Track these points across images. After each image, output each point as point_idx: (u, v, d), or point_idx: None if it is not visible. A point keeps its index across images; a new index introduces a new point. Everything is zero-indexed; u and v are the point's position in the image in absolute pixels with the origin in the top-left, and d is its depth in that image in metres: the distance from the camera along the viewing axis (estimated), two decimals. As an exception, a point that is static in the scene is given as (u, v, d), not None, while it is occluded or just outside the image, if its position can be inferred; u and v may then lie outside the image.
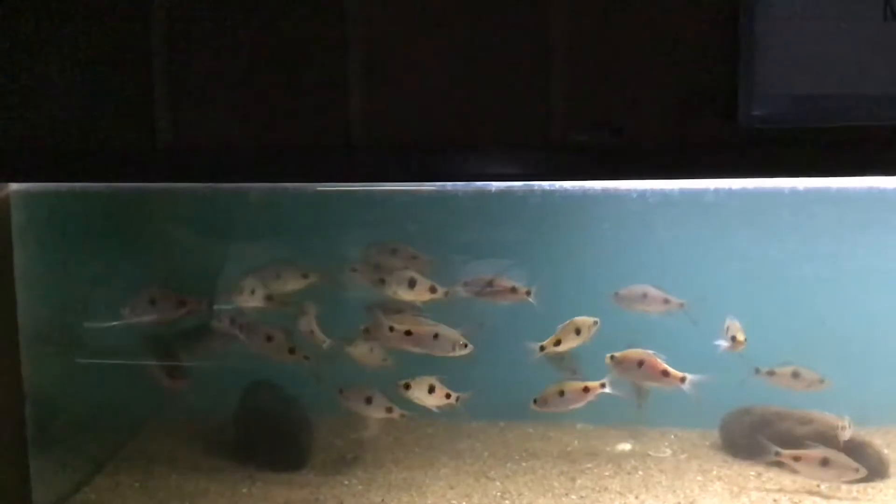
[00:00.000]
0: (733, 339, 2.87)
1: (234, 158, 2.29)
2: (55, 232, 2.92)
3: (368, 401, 2.98)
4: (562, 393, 2.85)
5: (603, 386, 2.84)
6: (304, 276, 3.00)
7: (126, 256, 3.24)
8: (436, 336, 2.85)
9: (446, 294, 2.89)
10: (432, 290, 2.89)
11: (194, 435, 3.42)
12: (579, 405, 2.87)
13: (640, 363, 2.82)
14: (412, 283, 2.88)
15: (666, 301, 2.98)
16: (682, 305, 2.96)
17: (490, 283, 2.96)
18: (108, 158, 2.32)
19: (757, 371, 3.00)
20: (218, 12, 2.23)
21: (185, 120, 2.27)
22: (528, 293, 2.92)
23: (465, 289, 2.97)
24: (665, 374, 2.80)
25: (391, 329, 2.86)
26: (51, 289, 2.91)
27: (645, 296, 2.99)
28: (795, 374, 3.00)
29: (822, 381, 3.00)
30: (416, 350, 2.87)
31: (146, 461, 3.22)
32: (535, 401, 2.90)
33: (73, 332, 3.08)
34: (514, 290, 2.95)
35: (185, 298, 2.93)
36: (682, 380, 2.79)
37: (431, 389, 2.88)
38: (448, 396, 2.90)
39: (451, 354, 2.86)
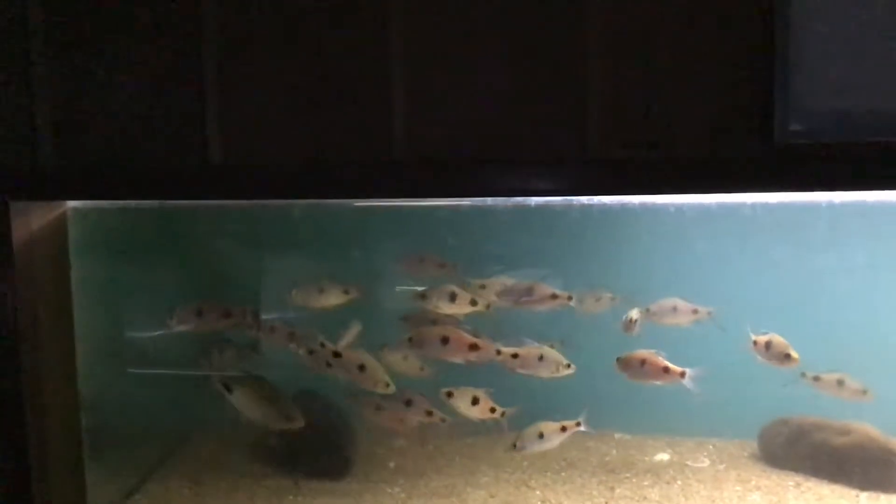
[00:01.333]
0: (787, 356, 2.92)
1: (282, 175, 2.36)
2: (110, 247, 3.02)
3: (475, 401, 2.98)
4: (541, 435, 2.89)
5: (578, 424, 2.90)
6: (346, 291, 3.08)
7: (176, 270, 3.33)
8: (541, 358, 2.92)
9: (487, 307, 2.93)
10: (473, 302, 2.93)
11: (241, 442, 3.50)
12: (555, 444, 2.93)
13: (643, 362, 2.93)
14: (453, 297, 2.93)
15: (695, 311, 3.05)
16: (710, 314, 3.03)
17: (530, 291, 3.01)
18: (161, 176, 2.40)
19: (803, 375, 3.03)
20: (267, 33, 2.31)
21: (235, 138, 2.35)
22: (570, 298, 2.97)
23: (503, 298, 3.02)
24: (666, 370, 2.91)
25: (498, 352, 2.91)
26: (106, 301, 3.00)
27: (675, 308, 3.06)
28: (840, 382, 3.04)
29: (864, 392, 3.03)
30: (522, 372, 2.93)
31: (196, 468, 3.31)
32: (514, 445, 2.94)
33: (126, 343, 3.17)
34: (554, 296, 3.01)
35: (231, 309, 3.02)
36: (682, 374, 2.89)
37: (475, 401, 2.92)
38: (493, 410, 2.93)
39: (556, 375, 2.92)
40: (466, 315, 2.95)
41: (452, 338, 2.86)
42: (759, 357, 2.97)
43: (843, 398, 3.05)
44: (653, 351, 2.92)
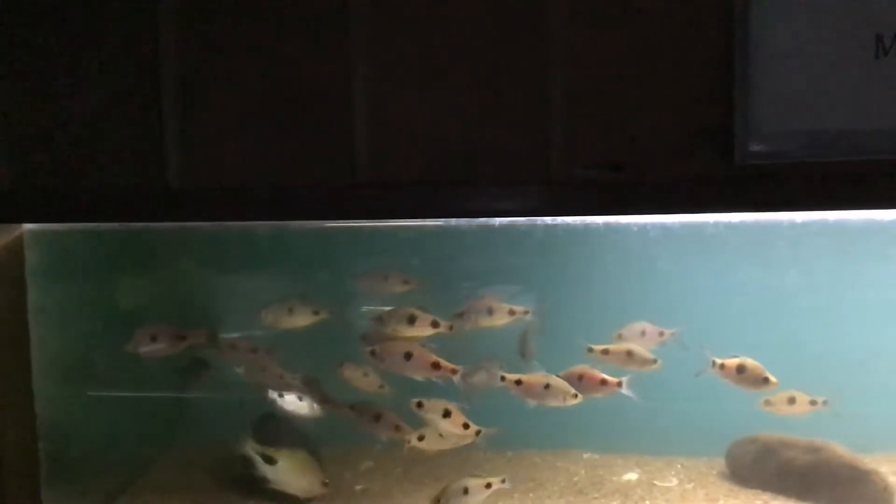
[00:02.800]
0: (765, 380, 2.91)
1: (244, 198, 2.33)
2: (68, 270, 2.97)
3: (446, 414, 2.92)
4: (466, 490, 2.85)
5: (504, 481, 2.86)
6: (316, 312, 3.04)
7: (136, 293, 3.29)
8: (547, 386, 2.90)
9: (451, 328, 2.91)
10: (434, 324, 2.90)
11: (206, 467, 3.45)
12: (479, 501, 2.87)
13: (580, 377, 2.94)
14: (412, 319, 2.89)
15: (661, 334, 3.05)
16: (674, 335, 3.04)
17: (490, 310, 2.98)
18: (119, 199, 2.36)
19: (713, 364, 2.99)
20: (228, 54, 2.28)
21: (195, 161, 2.31)
22: (527, 312, 2.96)
23: (461, 320, 2.99)
24: (603, 382, 2.93)
25: (502, 378, 2.89)
26: (63, 325, 2.95)
27: (643, 333, 3.07)
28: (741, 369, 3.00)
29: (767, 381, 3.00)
30: (530, 401, 2.92)
31: (159, 493, 3.25)
32: (437, 500, 2.88)
33: (85, 366, 3.12)
34: (511, 312, 2.98)
35: (185, 332, 2.99)
36: (619, 384, 2.92)
37: (447, 414, 2.87)
38: (466, 427, 2.89)
39: (563, 405, 2.90)
40: (429, 337, 2.91)
41: (416, 354, 2.83)
42: (727, 381, 2.94)
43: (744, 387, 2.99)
44: (587, 366, 2.92)
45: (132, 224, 2.68)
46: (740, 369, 2.94)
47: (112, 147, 2.33)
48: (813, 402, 3.03)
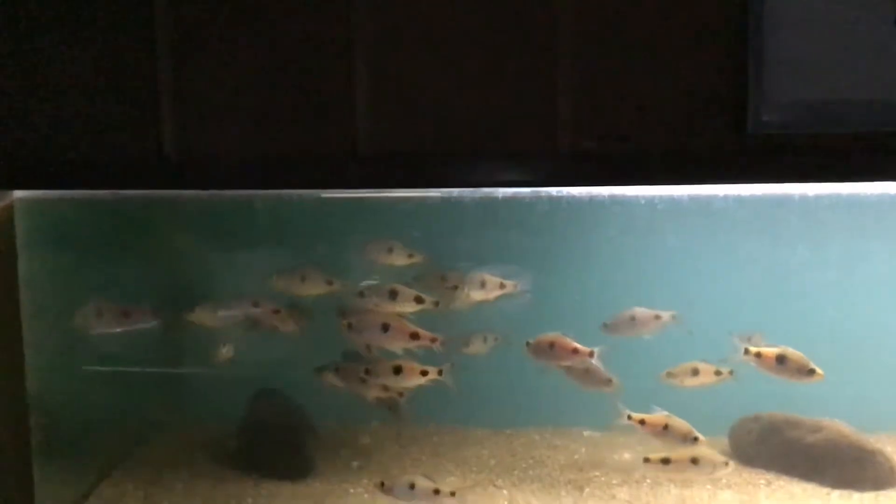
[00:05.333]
0: (811, 372, 2.76)
1: (240, 166, 2.28)
2: (60, 238, 2.91)
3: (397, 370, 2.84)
4: (412, 486, 2.75)
5: (453, 494, 2.75)
6: (329, 282, 2.99)
7: (129, 264, 3.23)
8: (665, 427, 2.87)
9: (436, 305, 2.83)
10: (419, 300, 2.81)
11: (200, 443, 3.41)
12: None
13: (552, 345, 2.86)
14: (394, 295, 2.82)
15: (657, 317, 2.96)
16: (674, 318, 2.93)
17: (482, 283, 2.94)
18: (113, 166, 2.30)
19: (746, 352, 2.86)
20: (224, 21, 2.22)
21: (190, 128, 2.25)
22: (515, 286, 2.92)
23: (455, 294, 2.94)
24: (575, 351, 2.84)
25: (628, 417, 2.87)
26: (55, 296, 2.90)
27: (633, 318, 2.98)
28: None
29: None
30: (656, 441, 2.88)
31: (152, 470, 3.21)
32: (382, 483, 2.81)
33: (78, 339, 3.07)
34: (502, 286, 2.94)
35: (130, 309, 2.94)
36: (591, 354, 2.83)
37: (398, 370, 2.80)
38: (425, 374, 2.79)
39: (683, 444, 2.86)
40: (413, 313, 2.82)
41: (394, 325, 2.76)
42: (766, 372, 2.80)
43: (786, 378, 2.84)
44: (559, 333, 2.85)
45: (127, 193, 2.61)
46: (781, 359, 2.79)
47: (106, 114, 2.27)
48: (718, 373, 2.95)
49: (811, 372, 2.75)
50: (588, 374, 2.95)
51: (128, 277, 3.21)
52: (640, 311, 2.98)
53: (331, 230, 3.08)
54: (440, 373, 2.74)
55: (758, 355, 2.80)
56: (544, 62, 2.15)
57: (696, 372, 2.94)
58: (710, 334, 2.94)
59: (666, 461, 2.82)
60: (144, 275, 3.31)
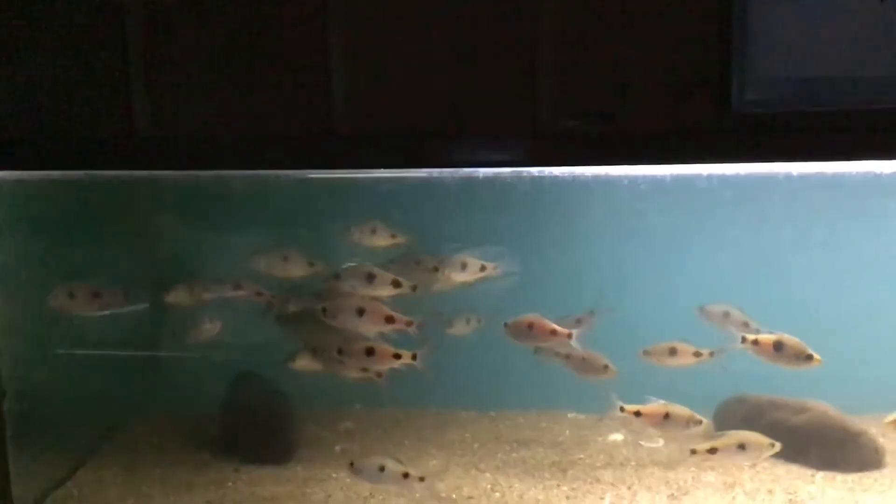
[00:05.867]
0: (808, 357, 2.71)
1: (215, 145, 2.23)
2: (33, 220, 2.85)
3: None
4: (382, 468, 2.70)
5: (422, 479, 2.70)
6: (311, 264, 2.95)
7: (105, 246, 3.18)
8: (666, 416, 2.81)
9: (414, 289, 2.78)
10: (396, 283, 2.76)
11: (179, 428, 3.37)
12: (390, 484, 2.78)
13: (530, 326, 2.81)
14: (371, 278, 2.77)
15: (554, 332, 2.84)
16: (570, 335, 2.81)
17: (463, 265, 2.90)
18: (85, 146, 2.25)
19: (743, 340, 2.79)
20: (196, -4, 2.16)
21: (163, 106, 2.20)
22: (495, 268, 2.90)
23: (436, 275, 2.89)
24: (553, 332, 2.80)
25: (621, 409, 2.80)
26: (29, 279, 2.85)
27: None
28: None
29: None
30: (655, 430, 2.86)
31: (131, 455, 3.17)
32: (351, 463, 2.76)
33: (52, 323, 3.02)
34: (483, 268, 2.91)
35: (100, 290, 2.90)
36: (569, 335, 2.78)
37: (370, 352, 2.73)
38: (398, 357, 2.71)
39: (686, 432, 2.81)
40: (391, 297, 2.76)
41: (369, 308, 2.72)
42: (763, 358, 2.74)
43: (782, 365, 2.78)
44: (537, 314, 2.80)
45: (102, 173, 2.55)
46: (778, 346, 2.72)
47: (76, 93, 2.21)
48: (697, 354, 2.91)
49: (809, 357, 2.70)
50: (585, 363, 2.91)
51: (101, 258, 3.16)
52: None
53: (309, 212, 3.05)
54: (414, 357, 2.69)
55: (755, 343, 2.74)
56: (525, 39, 2.10)
57: (673, 352, 2.91)
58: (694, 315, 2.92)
59: (713, 451, 2.74)
60: (122, 257, 3.26)
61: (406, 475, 2.67)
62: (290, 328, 3.05)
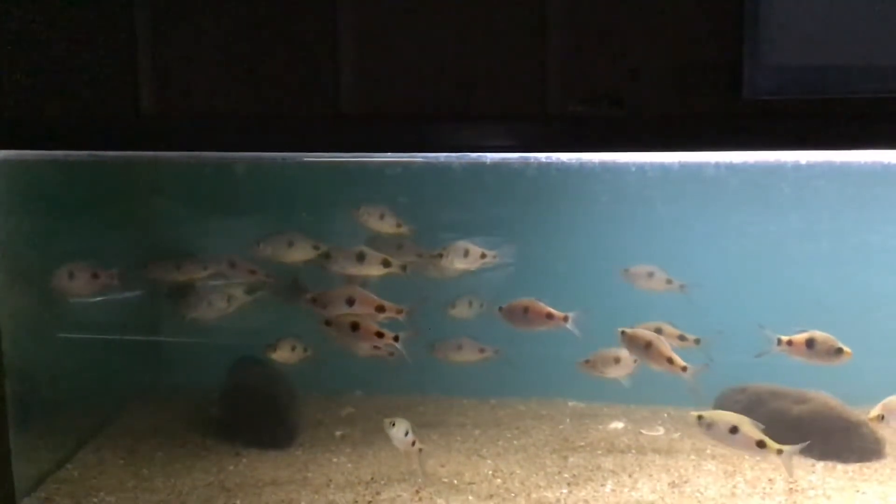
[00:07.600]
0: (839, 351, 2.74)
1: (220, 127, 2.21)
2: (38, 200, 2.84)
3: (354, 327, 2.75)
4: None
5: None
6: (316, 247, 2.94)
7: (108, 226, 3.17)
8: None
9: (404, 269, 2.77)
10: (386, 263, 2.75)
11: (181, 411, 3.37)
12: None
13: (525, 309, 2.85)
14: (361, 257, 2.76)
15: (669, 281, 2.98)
16: (566, 319, 2.88)
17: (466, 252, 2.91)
18: (90, 126, 2.23)
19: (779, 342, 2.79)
20: (203, -25, 2.14)
21: (168, 87, 2.18)
22: (495, 257, 2.92)
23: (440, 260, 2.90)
24: (549, 316, 2.84)
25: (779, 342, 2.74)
26: (32, 261, 2.83)
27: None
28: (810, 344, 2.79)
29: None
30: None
31: (131, 437, 3.17)
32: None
33: (54, 305, 3.01)
34: (483, 255, 2.93)
35: (99, 271, 2.91)
36: (566, 319, 2.83)
37: (355, 327, 2.71)
38: (381, 335, 2.70)
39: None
40: (380, 277, 2.78)
41: (359, 298, 2.70)
42: (798, 358, 2.76)
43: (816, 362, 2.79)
44: (533, 298, 2.83)
45: (106, 154, 2.53)
46: (810, 343, 2.74)
47: (82, 71, 2.19)
48: (682, 339, 2.93)
49: (839, 351, 2.73)
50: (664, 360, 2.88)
51: (104, 238, 3.15)
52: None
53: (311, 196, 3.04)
54: (396, 339, 2.67)
55: (790, 343, 2.75)
56: (534, 22, 2.09)
57: (658, 332, 2.91)
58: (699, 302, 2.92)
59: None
60: (124, 238, 3.25)
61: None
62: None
